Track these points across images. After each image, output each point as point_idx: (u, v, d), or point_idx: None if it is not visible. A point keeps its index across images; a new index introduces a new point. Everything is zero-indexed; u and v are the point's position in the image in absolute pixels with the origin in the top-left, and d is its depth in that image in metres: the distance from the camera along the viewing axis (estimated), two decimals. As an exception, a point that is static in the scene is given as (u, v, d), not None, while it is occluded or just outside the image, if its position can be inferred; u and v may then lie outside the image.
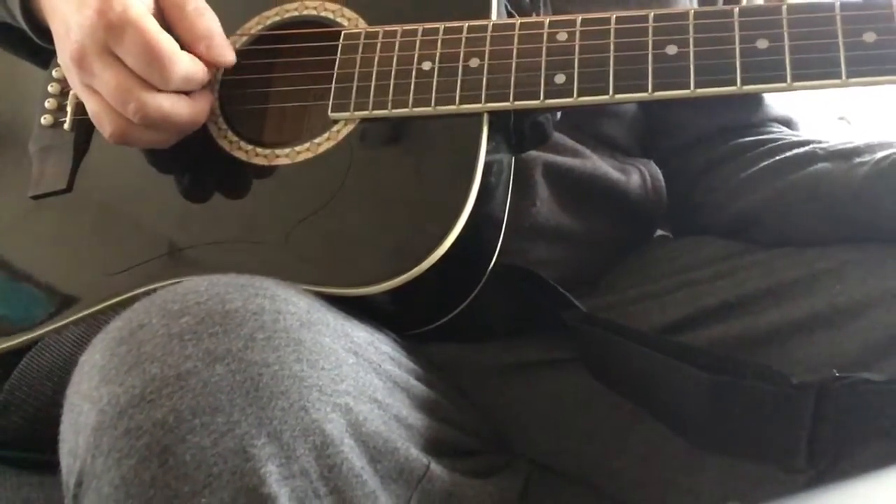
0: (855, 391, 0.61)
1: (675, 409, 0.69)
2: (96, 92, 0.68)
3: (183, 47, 0.68)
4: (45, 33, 0.74)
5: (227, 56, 0.71)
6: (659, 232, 0.92)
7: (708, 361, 0.65)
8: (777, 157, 0.83)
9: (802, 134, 0.90)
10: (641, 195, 0.84)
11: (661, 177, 0.87)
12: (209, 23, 0.70)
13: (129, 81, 0.66)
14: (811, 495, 0.42)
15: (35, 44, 0.77)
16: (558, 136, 0.77)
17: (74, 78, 0.69)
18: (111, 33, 0.65)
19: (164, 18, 0.69)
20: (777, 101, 0.90)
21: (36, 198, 0.77)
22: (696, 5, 0.87)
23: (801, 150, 0.82)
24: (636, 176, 0.84)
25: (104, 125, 0.69)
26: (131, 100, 0.66)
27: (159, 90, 0.67)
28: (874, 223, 0.73)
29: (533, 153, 0.76)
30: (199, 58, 0.69)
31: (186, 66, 0.67)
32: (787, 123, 0.90)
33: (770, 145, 0.85)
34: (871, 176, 0.73)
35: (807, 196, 0.78)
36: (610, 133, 0.85)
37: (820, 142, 0.83)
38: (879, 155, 0.74)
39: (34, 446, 0.68)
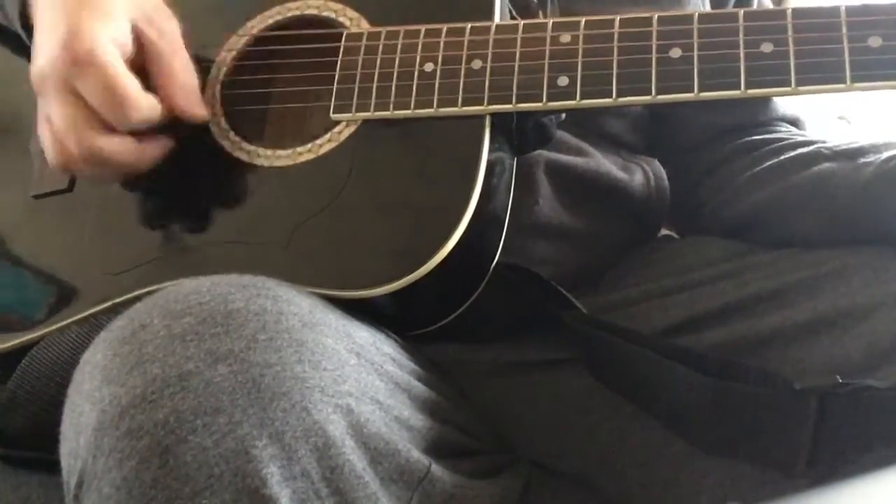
0: (858, 398, 0.60)
1: (676, 412, 0.69)
2: (49, 119, 0.68)
3: (151, 86, 0.68)
4: None
5: (203, 112, 0.71)
6: (663, 231, 0.92)
7: (710, 365, 0.65)
8: (781, 157, 0.82)
9: (809, 133, 0.89)
10: (644, 194, 0.84)
11: (664, 176, 0.86)
12: (192, 76, 0.70)
13: (77, 117, 0.66)
14: (811, 496, 0.42)
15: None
16: (561, 134, 0.77)
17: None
18: (74, 68, 0.65)
19: (143, 56, 0.69)
20: (784, 100, 0.89)
21: (37, 197, 0.77)
22: (707, 7, 0.87)
23: (806, 149, 0.82)
24: (639, 175, 0.84)
25: (50, 153, 0.69)
26: (74, 135, 0.66)
27: (112, 130, 0.66)
28: (879, 224, 0.72)
29: (536, 151, 0.75)
30: (174, 106, 0.69)
31: (147, 110, 0.67)
32: (795, 123, 0.90)
33: (775, 145, 0.85)
34: (876, 177, 0.73)
35: (811, 196, 0.77)
36: (614, 131, 0.85)
37: (825, 141, 0.83)
38: (885, 155, 0.74)
39: (36, 446, 0.67)
